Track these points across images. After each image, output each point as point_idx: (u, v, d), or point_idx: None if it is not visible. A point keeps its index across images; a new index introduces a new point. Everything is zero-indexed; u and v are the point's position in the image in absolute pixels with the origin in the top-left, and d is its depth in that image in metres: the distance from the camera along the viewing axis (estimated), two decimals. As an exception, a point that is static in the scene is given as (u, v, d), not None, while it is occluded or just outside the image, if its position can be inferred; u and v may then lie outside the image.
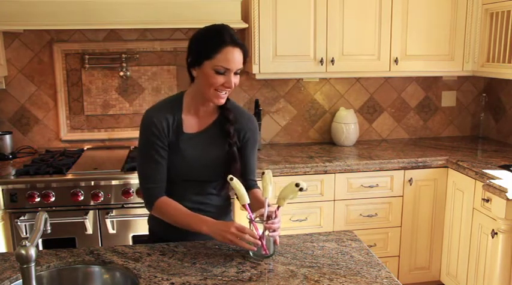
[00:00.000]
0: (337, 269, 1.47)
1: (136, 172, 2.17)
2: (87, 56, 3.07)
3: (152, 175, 1.67)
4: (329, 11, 2.95)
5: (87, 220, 2.51)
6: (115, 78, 3.15)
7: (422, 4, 3.05)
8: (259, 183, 1.72)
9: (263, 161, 2.82)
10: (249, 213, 1.53)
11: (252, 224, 1.52)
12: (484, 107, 3.54)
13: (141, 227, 2.61)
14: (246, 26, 2.77)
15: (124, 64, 3.11)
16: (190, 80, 1.70)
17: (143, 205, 2.55)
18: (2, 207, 2.49)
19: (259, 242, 1.49)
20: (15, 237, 2.52)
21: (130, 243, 2.61)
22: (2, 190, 2.48)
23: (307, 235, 1.75)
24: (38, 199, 2.50)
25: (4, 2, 2.53)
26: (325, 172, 2.80)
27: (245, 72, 3.20)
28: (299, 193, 1.52)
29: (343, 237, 1.72)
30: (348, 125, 3.26)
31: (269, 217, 1.54)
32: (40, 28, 2.88)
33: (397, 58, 3.07)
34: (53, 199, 2.51)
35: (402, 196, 2.95)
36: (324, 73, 3.04)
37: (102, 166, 2.69)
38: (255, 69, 2.94)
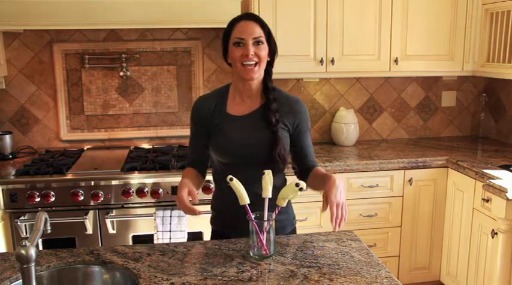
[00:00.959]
0: (337, 269, 1.47)
1: (136, 172, 2.62)
2: (87, 56, 3.07)
3: (189, 153, 1.88)
4: (329, 11, 2.95)
5: (87, 220, 2.51)
6: (115, 78, 3.15)
7: (422, 4, 3.05)
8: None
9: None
10: (248, 213, 1.53)
11: (252, 224, 1.52)
12: (484, 107, 3.54)
13: (141, 227, 2.62)
14: (246, 26, 2.77)
15: (124, 64, 3.11)
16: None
17: (143, 205, 2.57)
18: (2, 207, 2.49)
19: (194, 211, 1.53)
20: (15, 237, 2.52)
21: (131, 243, 2.61)
22: (2, 190, 2.49)
23: (307, 235, 1.75)
24: (38, 199, 2.50)
25: (4, 2, 2.53)
26: (325, 172, 2.79)
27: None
28: (299, 193, 1.52)
29: (343, 238, 1.72)
30: (348, 125, 3.26)
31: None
32: (40, 28, 2.89)
33: (397, 58, 3.07)
34: (53, 199, 2.51)
35: (402, 196, 2.95)
36: (324, 73, 3.04)
37: (102, 166, 2.69)
38: (255, 69, 2.94)
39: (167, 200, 2.60)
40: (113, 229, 2.58)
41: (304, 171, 1.82)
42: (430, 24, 3.08)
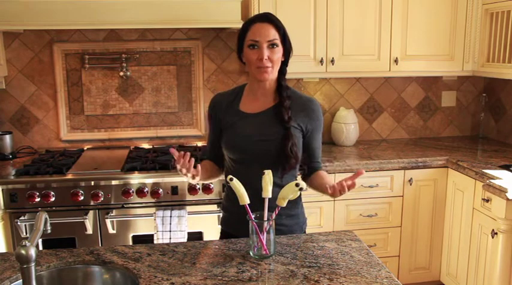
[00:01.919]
0: (337, 269, 1.47)
1: (135, 172, 2.63)
2: (87, 56, 3.07)
3: (207, 148, 1.94)
4: (329, 11, 2.95)
5: (87, 220, 2.51)
6: (115, 78, 3.15)
7: (422, 4, 3.05)
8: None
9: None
10: (248, 213, 1.53)
11: (252, 224, 1.52)
12: (484, 107, 3.54)
13: (141, 227, 2.62)
14: (246, 26, 2.77)
15: (124, 64, 3.11)
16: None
17: (143, 205, 2.58)
18: (2, 207, 2.49)
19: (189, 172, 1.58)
20: (15, 237, 2.52)
21: (131, 243, 2.61)
22: (2, 190, 2.49)
23: (307, 234, 1.75)
24: (38, 199, 2.50)
25: (4, 2, 2.53)
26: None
27: (245, 72, 3.20)
28: (299, 192, 1.52)
29: (343, 238, 1.72)
30: (348, 125, 3.26)
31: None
32: (40, 28, 2.89)
33: (397, 58, 3.07)
34: (53, 199, 2.51)
35: (402, 196, 2.95)
36: (324, 73, 3.04)
37: (102, 166, 2.69)
38: (255, 69, 2.94)
39: (167, 200, 2.61)
40: (113, 229, 2.58)
41: (307, 171, 1.83)
42: (430, 24, 3.08)
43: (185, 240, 2.55)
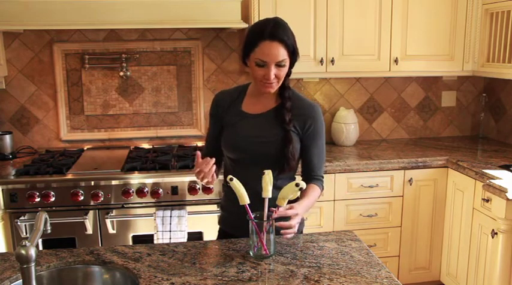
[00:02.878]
0: (337, 269, 1.47)
1: (135, 172, 2.64)
2: (87, 56, 3.07)
3: (206, 143, 1.94)
4: (329, 11, 2.95)
5: (87, 220, 2.51)
6: (115, 78, 3.15)
7: (423, 4, 3.05)
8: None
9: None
10: (248, 213, 1.53)
11: (252, 224, 1.52)
12: (484, 107, 3.54)
13: (141, 227, 2.62)
14: (246, 26, 2.76)
15: (124, 64, 3.11)
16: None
17: (143, 205, 2.58)
18: (2, 207, 2.49)
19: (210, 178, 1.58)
20: (15, 237, 2.52)
21: (131, 243, 2.61)
22: (2, 190, 2.49)
23: (307, 234, 1.75)
24: (38, 199, 2.50)
25: (4, 2, 2.53)
26: (325, 172, 2.79)
27: (245, 72, 3.20)
28: (299, 192, 1.53)
29: (343, 238, 1.72)
30: (348, 125, 3.26)
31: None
32: (40, 28, 2.89)
33: (397, 58, 3.07)
34: (53, 199, 2.51)
35: (402, 196, 2.95)
36: (324, 73, 3.04)
37: (102, 166, 2.69)
38: (255, 69, 2.94)
39: (167, 200, 2.61)
40: (113, 229, 2.58)
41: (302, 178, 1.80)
42: (430, 24, 3.08)
43: (185, 240, 2.55)
